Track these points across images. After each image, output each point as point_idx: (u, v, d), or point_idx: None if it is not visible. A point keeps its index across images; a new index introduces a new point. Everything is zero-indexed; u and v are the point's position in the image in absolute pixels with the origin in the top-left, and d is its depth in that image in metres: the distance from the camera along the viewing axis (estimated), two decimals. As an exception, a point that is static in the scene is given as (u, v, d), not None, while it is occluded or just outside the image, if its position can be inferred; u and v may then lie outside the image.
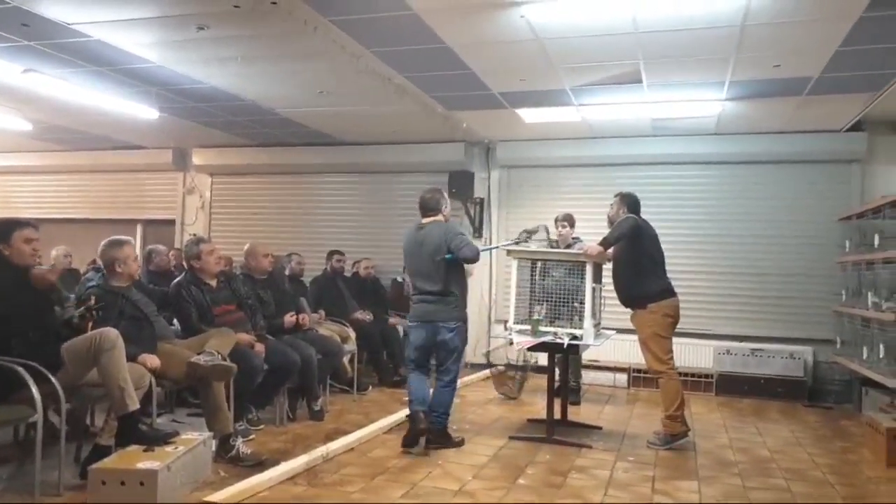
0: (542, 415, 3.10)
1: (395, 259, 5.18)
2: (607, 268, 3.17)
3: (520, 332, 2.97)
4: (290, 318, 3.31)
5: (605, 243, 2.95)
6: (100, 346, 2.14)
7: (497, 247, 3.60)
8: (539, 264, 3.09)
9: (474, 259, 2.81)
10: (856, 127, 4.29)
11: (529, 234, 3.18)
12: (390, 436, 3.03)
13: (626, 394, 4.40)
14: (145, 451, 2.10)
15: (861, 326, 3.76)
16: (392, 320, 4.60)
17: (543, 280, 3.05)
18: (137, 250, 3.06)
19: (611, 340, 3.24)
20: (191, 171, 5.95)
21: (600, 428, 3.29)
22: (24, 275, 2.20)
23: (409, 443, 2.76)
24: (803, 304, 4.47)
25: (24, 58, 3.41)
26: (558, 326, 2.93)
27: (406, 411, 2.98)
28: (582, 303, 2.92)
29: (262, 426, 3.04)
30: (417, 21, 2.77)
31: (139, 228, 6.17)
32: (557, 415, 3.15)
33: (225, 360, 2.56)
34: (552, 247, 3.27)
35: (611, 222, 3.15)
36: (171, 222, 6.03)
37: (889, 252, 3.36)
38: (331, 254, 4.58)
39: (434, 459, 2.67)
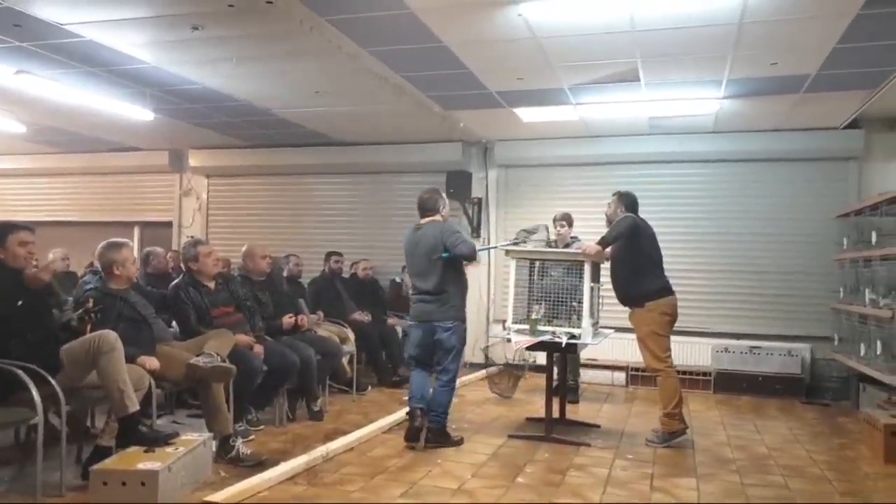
0: (541, 413, 3.11)
1: (393, 260, 5.19)
2: (605, 267, 3.18)
3: (518, 331, 2.98)
4: (288, 320, 3.32)
5: (604, 242, 2.96)
6: (99, 348, 2.14)
7: (495, 246, 3.61)
8: (537, 264, 3.09)
9: (471, 255, 2.81)
10: (853, 124, 4.30)
11: (528, 233, 3.18)
12: (389, 435, 3.03)
13: (625, 392, 4.41)
14: (146, 451, 2.11)
15: (858, 323, 3.77)
16: (390, 321, 4.60)
17: (542, 279, 3.05)
18: (135, 252, 3.05)
19: (609, 339, 3.25)
20: (187, 173, 5.93)
21: (599, 426, 3.29)
22: (14, 273, 2.19)
23: (410, 438, 2.80)
24: (801, 301, 4.49)
25: (17, 59, 3.39)
26: (557, 325, 2.94)
27: (406, 409, 3.00)
28: (580, 302, 2.93)
29: (261, 427, 3.04)
30: (414, 20, 2.77)
31: (136, 231, 6.16)
32: (556, 413, 3.16)
33: (224, 361, 2.56)
34: (550, 246, 3.27)
35: (609, 221, 3.15)
36: (169, 224, 6.02)
37: (887, 249, 3.37)
38: (329, 255, 4.57)
39: (433, 458, 2.68)
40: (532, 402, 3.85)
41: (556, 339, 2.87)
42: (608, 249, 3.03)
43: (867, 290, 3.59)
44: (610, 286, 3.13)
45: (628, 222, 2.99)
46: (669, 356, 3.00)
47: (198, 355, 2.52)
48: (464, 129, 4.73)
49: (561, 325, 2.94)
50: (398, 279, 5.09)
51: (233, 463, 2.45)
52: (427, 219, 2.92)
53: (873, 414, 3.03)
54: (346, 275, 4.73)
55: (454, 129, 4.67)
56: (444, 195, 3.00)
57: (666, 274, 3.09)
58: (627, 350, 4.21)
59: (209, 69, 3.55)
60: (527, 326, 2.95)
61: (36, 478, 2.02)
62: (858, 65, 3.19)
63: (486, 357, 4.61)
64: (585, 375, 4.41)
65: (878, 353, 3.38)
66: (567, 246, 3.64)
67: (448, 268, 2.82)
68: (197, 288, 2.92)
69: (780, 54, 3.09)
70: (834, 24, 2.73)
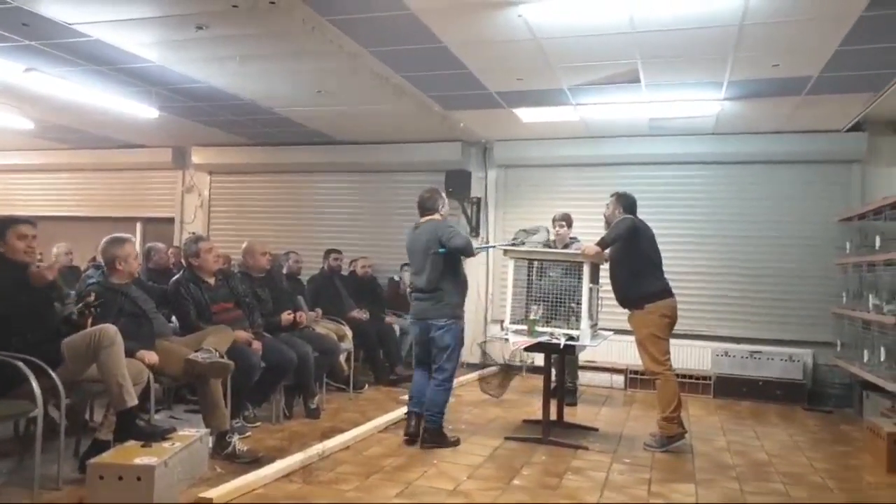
0: (539, 415, 3.10)
1: (392, 258, 5.21)
2: (604, 268, 3.17)
3: (516, 331, 2.97)
4: (287, 317, 3.33)
5: (603, 244, 2.95)
6: (99, 342, 2.16)
7: (494, 246, 3.60)
8: (536, 264, 3.08)
9: (465, 248, 2.81)
10: (856, 127, 4.27)
11: (527, 234, 3.17)
12: (386, 434, 3.03)
13: (623, 395, 4.39)
14: (143, 446, 2.12)
15: (862, 329, 3.74)
16: (388, 319, 4.61)
17: (540, 280, 3.05)
18: (137, 248, 3.08)
19: (608, 341, 3.23)
20: (190, 170, 5.98)
21: (597, 429, 3.28)
22: (24, 272, 2.21)
23: (409, 435, 2.84)
24: (803, 305, 4.45)
25: (25, 57, 3.43)
26: (555, 327, 2.93)
27: (403, 409, 3.00)
28: (579, 303, 2.92)
29: (258, 423, 3.05)
30: (415, 21, 2.78)
31: (139, 226, 6.20)
32: (554, 416, 3.15)
33: (222, 357, 2.58)
34: (549, 247, 3.26)
35: (607, 222, 3.14)
36: (171, 220, 6.05)
37: (890, 254, 3.34)
38: (328, 252, 4.59)
39: (429, 459, 2.68)
40: (530, 403, 3.83)
41: (555, 341, 2.86)
42: (607, 251, 3.02)
43: (870, 296, 3.55)
44: (609, 288, 3.12)
45: (627, 224, 2.98)
46: (668, 359, 2.98)
47: (196, 351, 2.53)
48: (464, 129, 4.74)
49: (559, 327, 2.93)
50: (396, 277, 5.10)
51: (229, 459, 2.46)
52: (426, 218, 2.93)
53: (877, 422, 3.00)
54: (345, 272, 4.74)
55: (454, 128, 4.68)
56: (443, 195, 3.01)
57: (666, 276, 3.08)
58: (626, 352, 4.19)
59: (213, 68, 3.58)
60: (525, 327, 2.94)
61: (34, 470, 2.03)
62: (861, 67, 3.17)
63: (483, 353, 4.60)
64: (584, 377, 4.39)
65: (882, 359, 3.34)
66: (566, 246, 3.63)
67: (445, 265, 2.82)
68: (197, 284, 2.94)
69: (781, 56, 3.08)
70: (836, 26, 2.71)
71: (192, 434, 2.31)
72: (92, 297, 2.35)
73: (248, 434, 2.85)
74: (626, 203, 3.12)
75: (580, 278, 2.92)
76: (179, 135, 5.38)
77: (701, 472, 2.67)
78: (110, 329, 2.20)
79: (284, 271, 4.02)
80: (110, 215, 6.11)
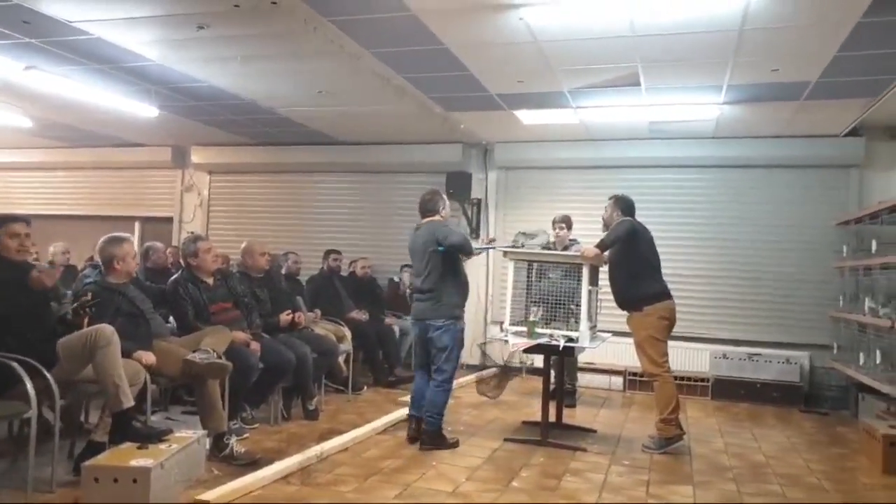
0: (538, 417, 3.09)
1: (391, 259, 5.20)
2: (604, 270, 3.17)
3: (516, 333, 2.97)
4: (285, 317, 3.32)
5: (602, 246, 2.96)
6: (95, 342, 2.14)
7: (493, 247, 3.60)
8: (536, 266, 3.09)
9: (462, 245, 2.81)
10: (854, 132, 4.30)
11: (527, 237, 3.18)
12: (385, 436, 3.03)
13: (622, 397, 4.40)
14: (139, 448, 2.10)
15: (858, 332, 3.76)
16: (388, 320, 4.61)
17: (540, 282, 3.05)
18: (135, 247, 3.07)
19: (607, 343, 3.24)
20: (189, 169, 5.96)
21: (595, 431, 3.28)
22: (18, 271, 2.20)
23: (410, 439, 2.85)
24: (800, 308, 4.47)
25: (26, 55, 3.41)
26: (554, 328, 2.94)
27: (403, 411, 2.99)
28: (578, 305, 2.92)
29: (256, 425, 3.04)
30: (416, 22, 2.78)
31: (137, 226, 6.18)
32: (552, 417, 3.15)
33: (220, 358, 2.56)
34: (549, 249, 3.27)
35: (606, 225, 3.15)
36: (170, 220, 6.03)
37: (887, 257, 3.36)
38: (327, 253, 4.58)
39: (428, 460, 2.67)
40: (529, 405, 3.83)
41: (554, 342, 2.86)
42: (606, 253, 3.03)
43: (867, 299, 3.57)
44: (608, 290, 3.13)
45: (626, 226, 2.99)
46: (667, 361, 2.99)
47: (194, 351, 2.52)
48: (464, 131, 4.74)
49: (559, 328, 2.93)
50: (396, 278, 5.10)
51: (226, 461, 2.45)
52: (427, 219, 2.94)
53: (872, 424, 3.02)
54: (344, 273, 4.73)
55: (455, 130, 4.69)
56: (444, 196, 3.01)
57: (664, 278, 3.08)
58: (625, 354, 4.19)
59: (214, 68, 3.57)
60: (524, 328, 2.94)
61: (28, 472, 2.01)
62: (859, 73, 3.19)
63: (483, 355, 4.59)
64: (583, 379, 4.40)
65: (878, 362, 3.36)
66: (566, 248, 3.63)
67: (444, 266, 2.82)
68: (195, 284, 2.92)
69: (780, 61, 3.10)
70: (835, 32, 2.73)
71: (189, 435, 2.29)
72: (88, 297, 2.33)
73: (245, 435, 2.83)
74: (624, 206, 3.13)
75: (579, 280, 2.93)
76: (179, 134, 5.37)
77: (699, 473, 2.68)
78: (107, 329, 2.18)
79: (283, 272, 4.01)
80: (109, 214, 6.08)
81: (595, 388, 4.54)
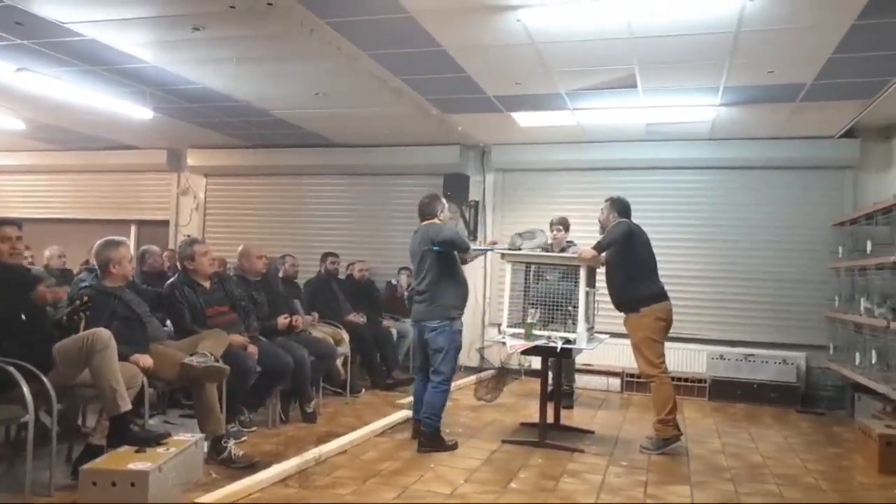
0: (535, 419, 3.09)
1: (389, 261, 5.20)
2: (601, 272, 3.18)
3: (513, 335, 2.97)
4: (283, 320, 3.31)
5: (599, 248, 2.96)
6: (92, 346, 2.13)
7: (491, 249, 3.61)
8: (533, 268, 3.09)
9: (453, 239, 2.82)
10: (849, 133, 4.33)
11: (522, 238, 3.18)
12: (383, 438, 3.02)
13: (620, 398, 4.41)
14: (137, 451, 2.09)
15: (854, 332, 3.78)
16: (386, 323, 4.60)
17: (537, 283, 3.06)
18: (132, 251, 3.05)
19: (604, 344, 3.25)
20: (185, 172, 5.94)
21: (593, 432, 3.29)
22: (13, 273, 2.18)
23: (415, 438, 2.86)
24: (796, 309, 4.50)
25: (18, 56, 3.39)
26: (552, 330, 2.94)
27: (401, 413, 2.98)
28: (575, 307, 2.93)
29: (254, 428, 3.03)
30: (413, 24, 2.78)
31: (133, 229, 6.15)
32: (550, 419, 3.15)
33: (217, 361, 2.55)
34: (547, 250, 3.27)
35: (602, 227, 3.17)
36: (166, 223, 6.01)
37: (881, 258, 3.38)
38: (325, 256, 4.57)
39: (426, 462, 2.67)
40: (527, 406, 3.84)
41: (552, 344, 2.87)
42: (603, 254, 3.04)
43: (862, 299, 3.60)
44: (606, 291, 3.13)
45: (623, 228, 3.00)
46: (664, 362, 3.00)
47: (191, 355, 2.51)
48: (462, 133, 4.75)
49: (556, 330, 2.94)
50: (394, 281, 5.09)
51: (224, 464, 2.44)
52: (426, 222, 2.95)
53: (868, 423, 3.03)
54: (342, 276, 4.72)
55: (452, 132, 4.69)
56: (443, 200, 3.03)
57: (661, 279, 3.09)
58: (622, 356, 4.20)
59: (209, 69, 3.56)
60: (522, 330, 2.95)
61: (25, 477, 2.00)
62: (854, 74, 3.22)
63: (482, 358, 4.59)
64: (580, 381, 4.41)
65: (874, 362, 3.38)
66: (563, 250, 3.64)
67: (440, 266, 2.83)
68: (192, 287, 2.91)
69: (776, 63, 3.12)
70: (830, 34, 2.75)
71: (186, 439, 2.28)
72: (83, 301, 2.32)
73: (243, 439, 2.82)
74: (620, 207, 3.14)
75: (577, 282, 2.93)
76: (174, 136, 5.35)
77: (696, 474, 2.69)
78: (104, 333, 2.17)
79: (280, 275, 4.00)
80: (104, 218, 6.05)
81: (593, 389, 4.55)
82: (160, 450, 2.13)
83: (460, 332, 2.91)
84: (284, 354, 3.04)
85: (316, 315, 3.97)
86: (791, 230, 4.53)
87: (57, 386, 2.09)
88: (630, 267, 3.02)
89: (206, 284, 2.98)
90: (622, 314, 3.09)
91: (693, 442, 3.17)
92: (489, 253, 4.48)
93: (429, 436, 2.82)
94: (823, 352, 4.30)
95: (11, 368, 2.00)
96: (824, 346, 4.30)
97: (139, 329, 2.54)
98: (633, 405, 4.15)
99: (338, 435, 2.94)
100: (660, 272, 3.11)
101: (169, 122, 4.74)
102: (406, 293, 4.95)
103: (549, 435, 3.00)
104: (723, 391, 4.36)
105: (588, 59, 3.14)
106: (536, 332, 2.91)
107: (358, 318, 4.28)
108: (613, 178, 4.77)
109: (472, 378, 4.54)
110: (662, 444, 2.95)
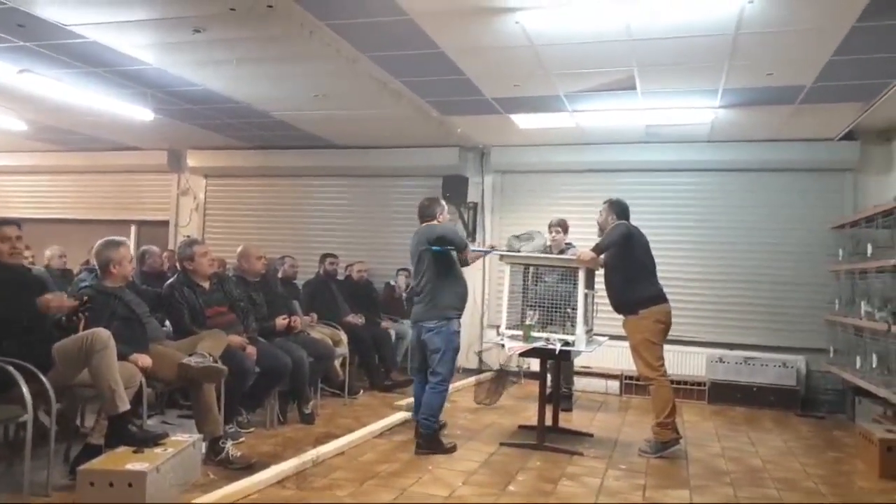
0: (534, 421, 3.09)
1: (388, 262, 5.20)
2: (600, 274, 3.18)
3: (512, 337, 2.97)
4: (281, 321, 3.31)
5: (598, 250, 2.96)
6: (91, 346, 2.14)
7: (491, 251, 3.61)
8: (532, 270, 3.09)
9: (447, 235, 2.82)
10: (849, 136, 4.32)
11: (519, 240, 3.18)
12: (381, 440, 3.02)
13: (618, 401, 4.40)
14: (135, 452, 2.09)
15: (854, 335, 3.76)
16: (384, 324, 4.60)
17: (536, 285, 3.06)
18: (132, 251, 3.06)
19: (603, 347, 3.24)
20: (185, 173, 5.95)
21: (592, 435, 3.28)
22: (13, 273, 2.19)
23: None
24: (796, 312, 4.48)
25: (20, 58, 3.41)
26: (550, 332, 2.94)
27: (399, 415, 2.97)
28: (574, 309, 2.93)
29: (252, 429, 3.03)
30: (412, 26, 2.79)
31: (133, 229, 6.16)
32: (549, 421, 3.15)
33: (216, 362, 2.55)
34: (545, 252, 3.27)
35: (601, 229, 3.16)
36: (165, 223, 6.03)
37: (882, 261, 3.37)
38: (324, 257, 4.58)
39: (424, 465, 2.67)
40: (525, 409, 3.83)
41: (550, 346, 2.86)
42: (602, 256, 3.04)
43: (863, 303, 3.58)
44: (605, 294, 3.13)
45: (621, 230, 3.00)
46: (663, 365, 2.99)
47: (190, 355, 2.51)
48: (461, 135, 4.75)
49: (555, 332, 2.93)
50: (392, 282, 5.10)
51: (222, 465, 2.44)
52: (425, 224, 2.96)
53: (869, 428, 3.01)
54: (340, 277, 4.73)
55: (451, 134, 4.69)
56: (443, 202, 3.05)
57: (660, 282, 3.09)
58: (621, 358, 4.19)
59: (210, 71, 3.57)
60: (520, 332, 2.94)
61: (23, 476, 2.01)
62: (854, 77, 3.22)
63: (481, 361, 4.58)
64: (579, 383, 4.39)
65: (874, 366, 3.37)
66: (562, 252, 3.64)
67: (438, 266, 2.83)
68: (191, 287, 2.92)
69: (775, 65, 3.12)
70: (829, 37, 2.75)
71: (184, 439, 2.28)
72: (84, 300, 2.32)
73: (241, 439, 2.82)
74: (619, 209, 3.14)
75: (575, 284, 2.93)
76: (175, 137, 5.36)
77: (695, 477, 2.68)
78: (103, 333, 2.18)
79: (279, 275, 4.00)
80: (104, 218, 6.07)
81: (591, 391, 4.54)
82: (158, 450, 2.13)
83: (458, 332, 2.90)
84: (283, 355, 3.04)
85: (314, 316, 3.97)
86: (791, 233, 4.52)
87: (56, 386, 2.09)
88: (629, 269, 3.02)
89: (206, 285, 2.98)
90: (621, 316, 3.09)
91: (692, 445, 3.16)
92: (488, 255, 4.48)
93: (426, 437, 2.82)
94: (823, 355, 4.29)
95: (11, 368, 2.00)
96: (824, 350, 4.29)
97: (138, 329, 2.54)
98: (632, 408, 4.14)
99: (336, 436, 2.93)
100: (659, 274, 3.11)
101: (169, 123, 4.75)
102: (404, 294, 4.95)
103: (548, 438, 3.00)
104: (722, 394, 4.34)
105: (587, 61, 3.15)
106: (535, 334, 2.91)
107: (356, 319, 4.28)
108: (612, 179, 4.76)
109: (471, 380, 4.53)
110: (661, 447, 2.94)
